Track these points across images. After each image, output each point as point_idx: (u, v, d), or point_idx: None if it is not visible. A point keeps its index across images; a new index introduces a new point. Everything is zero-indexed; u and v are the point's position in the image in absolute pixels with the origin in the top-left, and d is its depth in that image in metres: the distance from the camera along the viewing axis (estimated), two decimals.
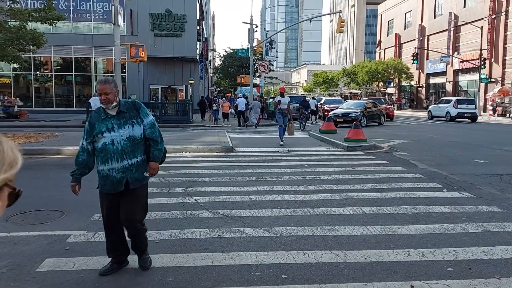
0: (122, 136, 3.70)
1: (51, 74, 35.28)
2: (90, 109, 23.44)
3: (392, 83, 62.49)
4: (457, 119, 29.27)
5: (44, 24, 18.61)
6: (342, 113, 23.42)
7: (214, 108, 26.49)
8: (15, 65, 30.66)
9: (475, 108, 29.84)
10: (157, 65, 35.00)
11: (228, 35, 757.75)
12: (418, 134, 19.04)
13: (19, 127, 20.75)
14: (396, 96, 61.15)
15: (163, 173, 8.86)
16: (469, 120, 29.27)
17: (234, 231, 5.14)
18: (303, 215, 5.89)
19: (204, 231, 5.16)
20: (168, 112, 26.15)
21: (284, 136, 14.69)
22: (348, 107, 25.27)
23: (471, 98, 36.17)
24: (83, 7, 34.05)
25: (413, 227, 5.34)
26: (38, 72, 35.30)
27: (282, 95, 14.89)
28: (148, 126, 3.84)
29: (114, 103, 3.73)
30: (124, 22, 27.72)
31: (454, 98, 32.17)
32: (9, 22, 18.38)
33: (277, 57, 42.66)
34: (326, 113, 27.18)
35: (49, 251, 4.50)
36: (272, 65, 53.66)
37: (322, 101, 34.39)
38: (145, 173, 3.84)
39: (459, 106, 29.46)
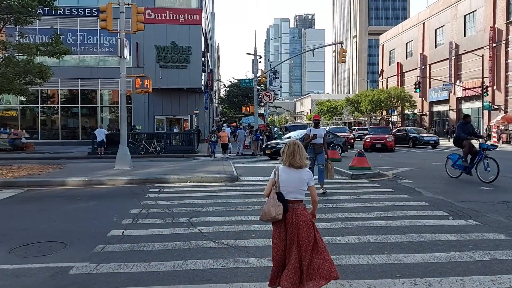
0: None
1: (58, 106, 35.82)
2: (95, 140, 23.75)
3: (395, 111, 62.83)
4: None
5: (52, 57, 19.06)
6: (274, 144, 20.89)
7: (213, 139, 22.88)
8: (22, 98, 31.25)
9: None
10: (163, 96, 35.51)
11: (233, 65, 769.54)
12: (423, 162, 18.97)
13: (25, 159, 20.91)
14: (400, 124, 61.34)
15: (167, 203, 8.85)
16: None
17: (238, 262, 5.08)
18: None
19: (207, 261, 5.10)
20: (173, 142, 26.28)
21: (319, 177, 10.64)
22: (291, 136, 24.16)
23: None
24: (90, 40, 34.94)
25: (419, 255, 5.27)
26: (45, 105, 35.87)
27: (317, 125, 10.58)
28: None
29: None
30: (130, 54, 28.23)
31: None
32: (17, 56, 18.82)
33: (281, 87, 43.17)
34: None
35: (51, 284, 4.45)
36: (277, 94, 54.20)
37: (327, 129, 34.57)
38: None
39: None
